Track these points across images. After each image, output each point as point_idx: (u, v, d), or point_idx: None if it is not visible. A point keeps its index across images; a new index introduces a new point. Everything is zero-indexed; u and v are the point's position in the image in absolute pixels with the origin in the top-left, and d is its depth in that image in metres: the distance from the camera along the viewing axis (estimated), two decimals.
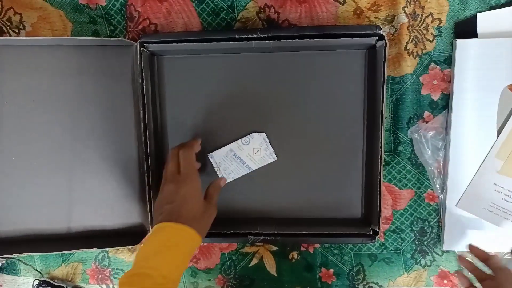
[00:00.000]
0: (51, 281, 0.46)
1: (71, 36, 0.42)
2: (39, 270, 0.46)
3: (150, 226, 0.42)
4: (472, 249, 0.39)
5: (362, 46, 0.39)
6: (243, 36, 0.37)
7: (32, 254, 0.42)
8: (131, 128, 0.42)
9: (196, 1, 0.40)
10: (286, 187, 0.42)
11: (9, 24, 0.42)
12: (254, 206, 0.43)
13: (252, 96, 0.41)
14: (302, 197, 0.42)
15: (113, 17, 0.41)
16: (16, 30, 0.42)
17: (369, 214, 0.41)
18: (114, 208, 0.43)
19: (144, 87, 0.40)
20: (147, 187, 0.41)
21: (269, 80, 0.41)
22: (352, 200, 0.42)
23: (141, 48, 0.39)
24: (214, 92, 0.42)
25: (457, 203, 0.40)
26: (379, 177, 0.38)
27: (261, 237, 0.40)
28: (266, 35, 0.37)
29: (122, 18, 0.41)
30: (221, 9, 0.41)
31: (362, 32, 0.36)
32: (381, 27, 0.36)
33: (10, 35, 0.42)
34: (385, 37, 0.36)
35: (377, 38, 0.37)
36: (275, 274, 0.45)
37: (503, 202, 0.40)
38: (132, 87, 0.42)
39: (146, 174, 0.41)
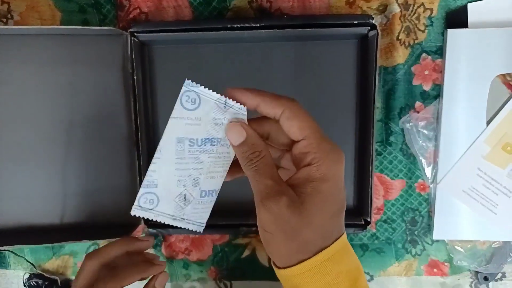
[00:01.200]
0: (43, 274, 0.45)
1: (60, 26, 0.41)
2: (30, 261, 0.45)
3: (142, 218, 0.41)
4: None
5: (354, 36, 0.39)
6: (235, 26, 0.37)
7: (22, 246, 0.41)
8: (122, 118, 0.42)
9: None
10: None
11: None
12: (246, 197, 0.43)
13: (243, 86, 0.41)
14: None
15: (103, 6, 0.40)
16: (4, 20, 0.41)
17: (361, 204, 0.41)
18: (105, 200, 0.43)
19: (135, 77, 0.39)
20: (138, 179, 0.41)
21: (261, 70, 0.40)
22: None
23: (132, 38, 0.38)
24: (205, 82, 0.41)
25: (439, 182, 0.41)
26: (370, 167, 0.38)
27: (254, 228, 0.40)
28: (258, 25, 0.37)
29: (112, 7, 0.40)
30: None
31: (354, 22, 0.36)
32: (373, 16, 0.36)
33: None
34: (377, 27, 0.35)
35: (369, 28, 0.36)
36: (267, 265, 0.45)
37: (483, 187, 0.40)
38: (123, 77, 0.41)
39: (137, 165, 0.40)
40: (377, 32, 0.35)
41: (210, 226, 0.42)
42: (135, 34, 0.38)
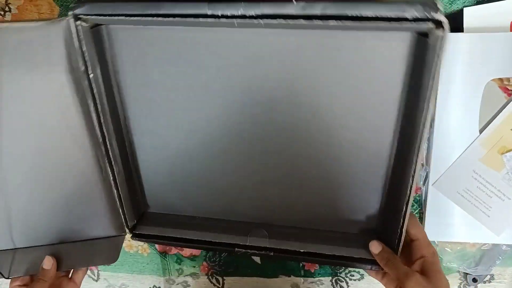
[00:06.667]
0: None
1: None
2: None
3: (126, 230, 0.33)
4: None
5: (406, 28, 0.23)
6: (217, 14, 0.22)
7: None
8: (81, 129, 0.29)
9: None
10: (286, 192, 0.31)
11: None
12: (244, 210, 0.33)
13: (240, 81, 0.27)
14: (306, 204, 0.32)
15: None
16: (2, 13, 0.33)
17: (386, 233, 0.31)
18: (82, 215, 0.34)
19: (91, 75, 0.26)
20: (115, 191, 0.30)
21: (259, 64, 0.26)
22: (366, 213, 0.32)
23: (77, 22, 0.25)
24: (186, 74, 0.27)
25: (433, 183, 0.36)
26: (407, 198, 0.27)
27: (250, 251, 0.31)
28: (253, 14, 0.22)
29: None
30: None
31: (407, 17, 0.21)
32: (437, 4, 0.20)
33: None
34: (444, 24, 0.20)
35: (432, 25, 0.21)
36: (259, 262, 0.39)
37: (477, 190, 0.36)
38: (72, 79, 0.27)
39: (111, 177, 0.30)
40: (444, 31, 0.21)
41: (201, 242, 0.32)
42: (80, 17, 0.24)
